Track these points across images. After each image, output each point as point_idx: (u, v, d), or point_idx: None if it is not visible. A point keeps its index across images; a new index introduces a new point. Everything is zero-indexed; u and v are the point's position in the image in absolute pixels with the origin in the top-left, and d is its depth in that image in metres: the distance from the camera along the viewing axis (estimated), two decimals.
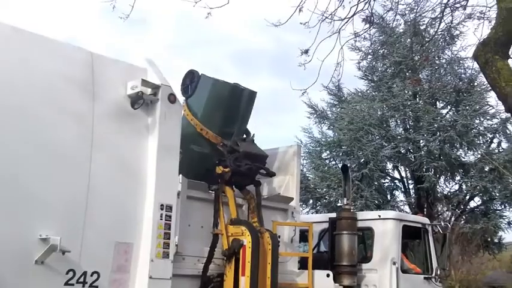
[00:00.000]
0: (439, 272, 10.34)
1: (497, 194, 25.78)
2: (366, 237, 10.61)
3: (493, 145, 26.06)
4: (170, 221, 6.98)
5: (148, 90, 7.01)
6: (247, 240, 7.59)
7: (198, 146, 8.15)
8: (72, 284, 6.25)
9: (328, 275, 8.88)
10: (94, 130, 6.58)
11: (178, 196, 7.20)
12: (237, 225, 7.78)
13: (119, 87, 6.99)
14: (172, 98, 7.19)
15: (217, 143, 8.19)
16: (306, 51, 10.70)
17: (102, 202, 6.54)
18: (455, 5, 11.33)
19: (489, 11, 10.85)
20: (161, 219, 6.90)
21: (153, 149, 7.01)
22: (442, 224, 10.40)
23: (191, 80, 8.42)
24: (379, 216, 10.32)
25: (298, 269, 8.94)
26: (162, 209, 6.92)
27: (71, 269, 6.23)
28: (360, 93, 27.00)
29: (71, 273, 6.23)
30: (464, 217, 26.38)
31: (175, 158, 7.19)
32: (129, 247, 6.73)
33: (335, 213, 10.21)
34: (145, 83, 7.00)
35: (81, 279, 6.31)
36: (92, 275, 6.39)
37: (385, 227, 10.04)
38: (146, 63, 7.34)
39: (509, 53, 7.55)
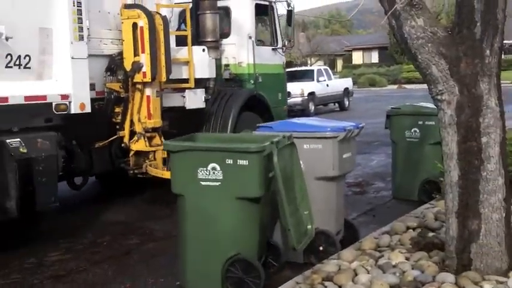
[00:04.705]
0: (286, 43, 12.12)
1: None
2: (224, 16, 11.82)
3: None
4: (81, 7, 7.74)
5: None
6: (143, 21, 8.54)
7: None
8: (11, 67, 7.03)
9: (203, 50, 10.10)
10: None
11: None
12: (132, 8, 8.65)
13: None
14: None
15: None
16: None
17: None
18: None
19: None
20: (73, 5, 7.63)
21: None
22: (288, 0, 11.87)
23: None
24: None
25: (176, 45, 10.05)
26: None
27: (9, 53, 6.98)
28: None
29: (9, 57, 6.98)
30: None
31: None
32: (50, 32, 7.49)
33: None
34: None
35: (17, 62, 7.09)
36: (24, 58, 7.19)
37: (240, 5, 11.41)
38: None
39: None
